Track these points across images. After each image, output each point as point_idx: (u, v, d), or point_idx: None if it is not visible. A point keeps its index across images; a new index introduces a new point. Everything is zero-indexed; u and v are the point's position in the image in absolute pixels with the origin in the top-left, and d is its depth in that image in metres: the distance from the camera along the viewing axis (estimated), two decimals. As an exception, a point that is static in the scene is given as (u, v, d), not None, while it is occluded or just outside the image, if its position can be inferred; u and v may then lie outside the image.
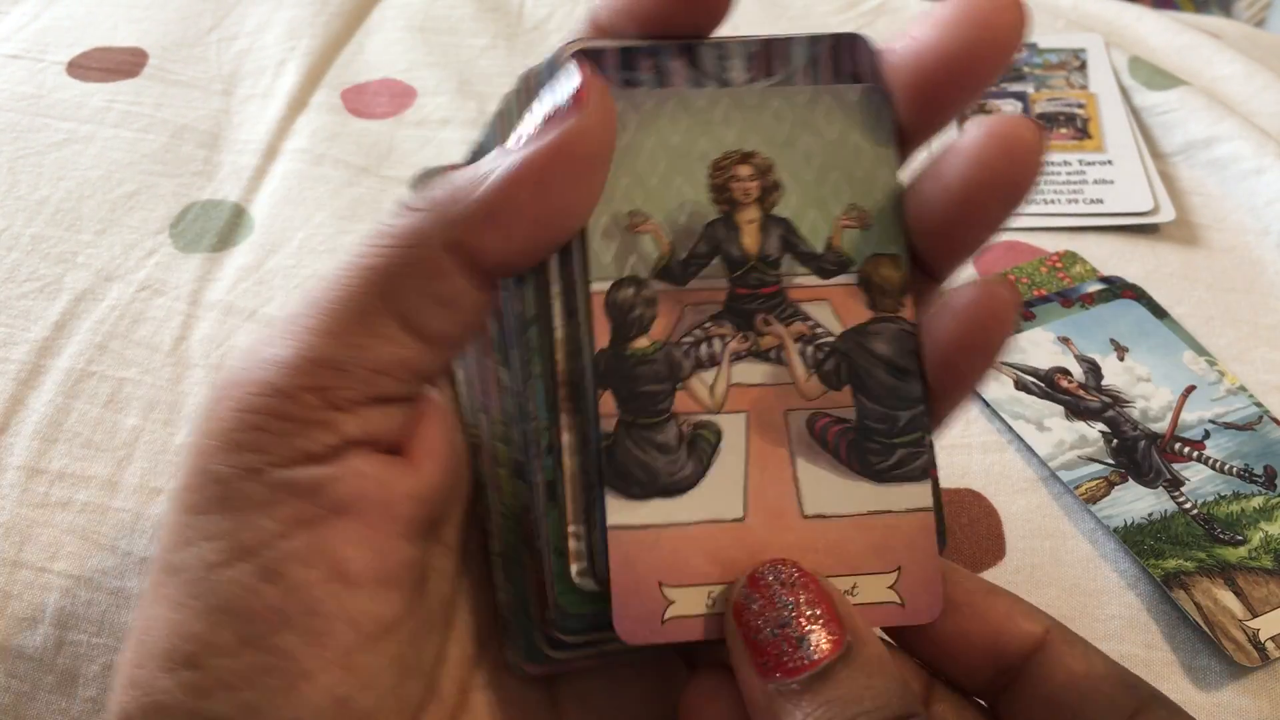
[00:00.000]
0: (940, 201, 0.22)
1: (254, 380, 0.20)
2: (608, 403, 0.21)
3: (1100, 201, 0.49)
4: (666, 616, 0.21)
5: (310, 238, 0.46)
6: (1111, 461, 0.38)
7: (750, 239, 0.22)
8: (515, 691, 0.24)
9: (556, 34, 0.61)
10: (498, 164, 0.20)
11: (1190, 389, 0.41)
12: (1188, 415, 0.40)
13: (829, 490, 0.22)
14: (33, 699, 0.32)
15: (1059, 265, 0.46)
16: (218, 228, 0.46)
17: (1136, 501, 0.37)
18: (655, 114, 0.22)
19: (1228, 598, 0.34)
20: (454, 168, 0.22)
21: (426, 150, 0.51)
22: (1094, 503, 0.37)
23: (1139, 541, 0.35)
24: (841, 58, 0.23)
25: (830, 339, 0.22)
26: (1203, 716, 0.31)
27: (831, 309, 0.22)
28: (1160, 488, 0.37)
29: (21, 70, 0.54)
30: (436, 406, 0.23)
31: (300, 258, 0.45)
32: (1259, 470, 0.38)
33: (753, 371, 0.22)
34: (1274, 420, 0.40)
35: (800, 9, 0.64)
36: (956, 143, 0.21)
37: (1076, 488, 0.37)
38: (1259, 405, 0.40)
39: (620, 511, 0.21)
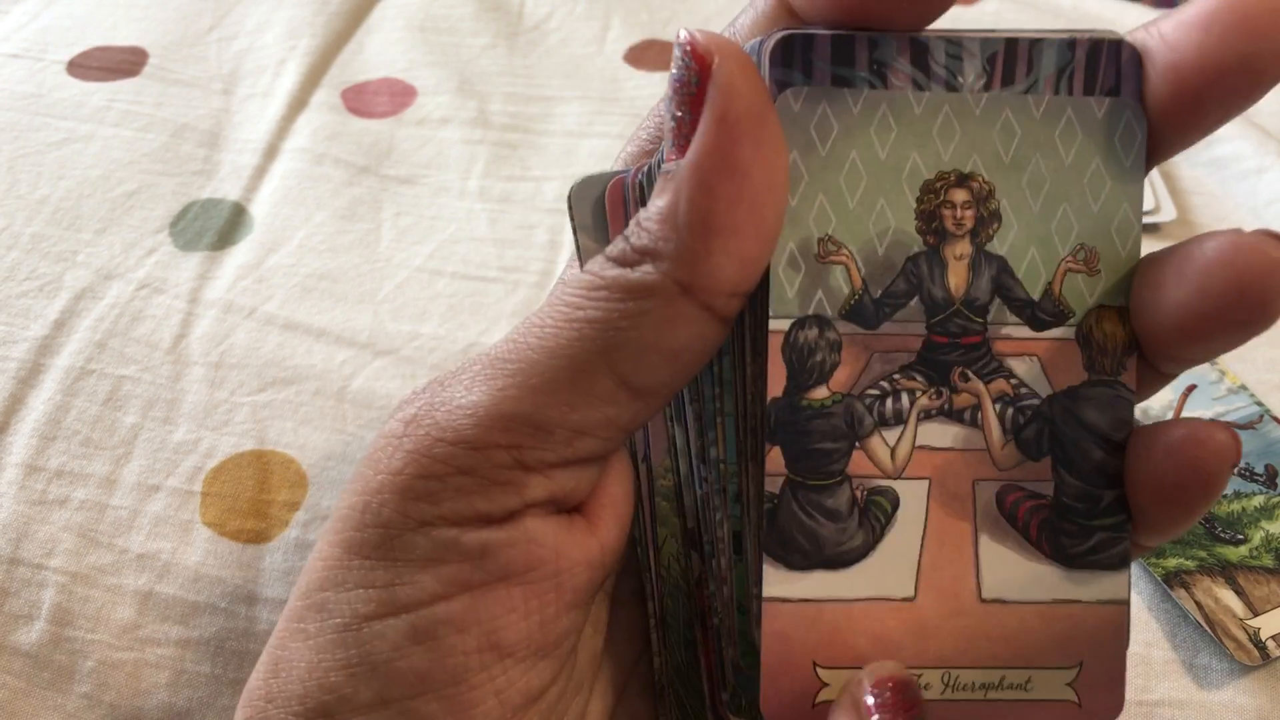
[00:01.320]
0: (1170, 314, 0.19)
1: (444, 425, 0.19)
2: (775, 459, 0.19)
3: (1101, 201, 0.49)
4: (818, 699, 0.19)
5: (310, 237, 0.46)
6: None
7: (957, 279, 0.19)
8: None
9: (557, 33, 0.61)
10: (679, 184, 0.18)
11: (1191, 388, 0.41)
12: (1189, 414, 0.40)
13: (1013, 573, 0.19)
14: (28, 695, 0.32)
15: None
16: (218, 226, 0.46)
17: (1137, 500, 0.37)
18: (862, 121, 0.19)
19: (1228, 596, 0.33)
20: (618, 174, 0.21)
21: (427, 149, 0.51)
22: (1094, 501, 0.37)
23: (1139, 540, 0.35)
24: (1100, 66, 0.19)
25: (1035, 401, 0.20)
26: (1203, 715, 0.31)
27: (1041, 366, 0.20)
28: (1161, 486, 0.37)
29: (21, 69, 0.54)
30: (620, 457, 0.21)
31: (300, 256, 0.45)
32: (1260, 469, 0.38)
33: (942, 433, 0.20)
34: (1275, 419, 0.39)
35: (801, 9, 0.64)
36: (1192, 254, 0.18)
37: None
38: (1260, 404, 0.40)
39: (779, 583, 0.19)
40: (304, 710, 0.18)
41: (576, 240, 0.22)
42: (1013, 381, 0.20)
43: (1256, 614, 0.33)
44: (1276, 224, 0.48)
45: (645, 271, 0.18)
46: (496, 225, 0.47)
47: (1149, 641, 0.33)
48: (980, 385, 0.20)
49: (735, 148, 0.17)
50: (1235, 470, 0.37)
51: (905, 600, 0.19)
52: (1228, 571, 0.34)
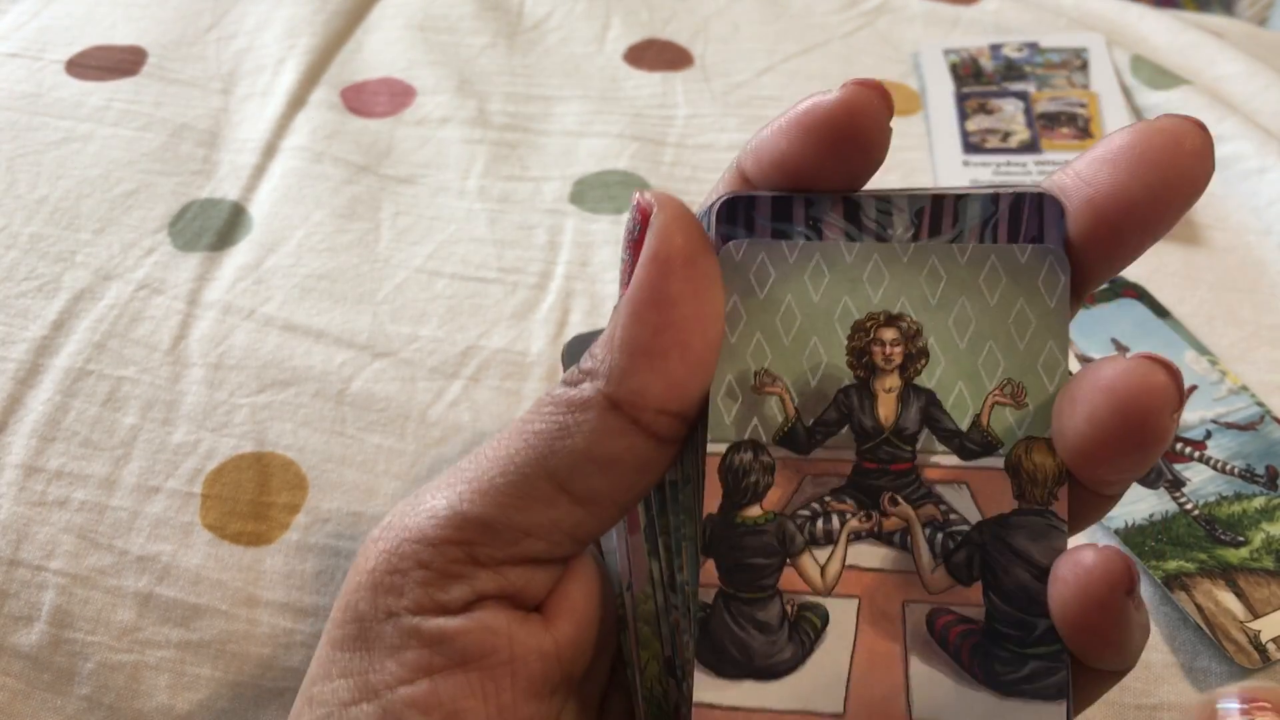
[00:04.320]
0: (1071, 439, 0.20)
1: (408, 526, 0.21)
2: (709, 572, 0.20)
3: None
4: None
5: (309, 236, 0.46)
6: (1112, 462, 0.38)
7: (886, 409, 0.21)
8: None
9: (556, 33, 0.60)
10: (616, 313, 0.20)
11: (1192, 389, 0.41)
12: (1189, 415, 0.40)
13: (945, 696, 0.20)
14: (28, 697, 0.32)
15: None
16: (217, 226, 0.46)
17: (1137, 502, 0.37)
18: (797, 268, 0.21)
19: (1229, 599, 0.33)
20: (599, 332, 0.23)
21: (426, 149, 0.51)
22: (1094, 503, 0.37)
23: (1140, 542, 0.35)
24: (1023, 216, 0.20)
25: (964, 527, 0.20)
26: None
27: (970, 494, 0.20)
28: (1161, 488, 0.37)
29: (20, 69, 0.54)
30: (585, 564, 0.23)
31: (299, 256, 0.45)
32: (1261, 471, 0.38)
33: (872, 554, 0.20)
34: (1276, 420, 0.39)
35: (800, 8, 0.64)
36: (1085, 381, 0.19)
37: (1077, 488, 0.37)
38: (1261, 405, 0.40)
39: (709, 689, 0.20)
40: None
41: None
42: (942, 507, 0.20)
43: (1257, 616, 0.33)
44: (1278, 224, 0.48)
45: (583, 388, 0.20)
46: (496, 225, 0.47)
47: (1149, 644, 0.33)
48: (909, 510, 0.20)
49: (664, 282, 0.20)
50: (1178, 430, 0.37)
51: (834, 716, 0.20)
52: (1228, 574, 0.34)
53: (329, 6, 0.60)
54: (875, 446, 0.21)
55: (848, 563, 0.20)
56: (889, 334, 0.21)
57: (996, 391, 0.20)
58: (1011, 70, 0.58)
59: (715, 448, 0.21)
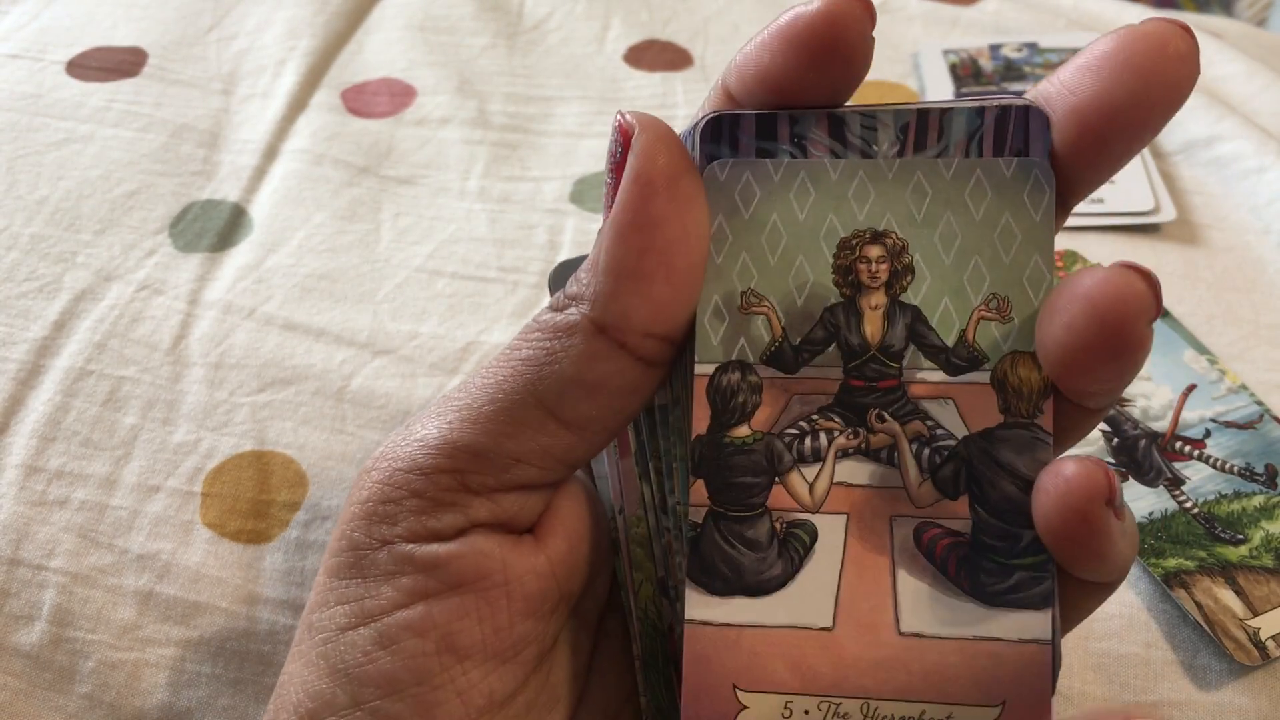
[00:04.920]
0: (1051, 349, 0.20)
1: (400, 456, 0.21)
2: (699, 491, 0.20)
3: (1101, 201, 0.49)
4: None
5: (310, 237, 0.46)
6: (1112, 460, 0.38)
7: (872, 327, 0.21)
8: None
9: (556, 33, 0.61)
10: (600, 237, 0.20)
11: (1191, 388, 0.41)
12: (1188, 414, 0.40)
13: (931, 608, 0.20)
14: (29, 696, 0.32)
15: (1060, 264, 0.46)
16: (217, 227, 0.46)
17: (1137, 500, 0.37)
18: (782, 187, 0.21)
19: (1228, 596, 0.33)
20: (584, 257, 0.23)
21: (426, 149, 0.51)
22: (1094, 501, 0.37)
23: (1139, 541, 0.35)
24: (1009, 130, 0.20)
25: (951, 442, 0.20)
26: (1203, 716, 0.31)
27: (956, 409, 0.20)
28: (1161, 486, 0.37)
29: (21, 70, 0.54)
30: (576, 486, 0.23)
31: (300, 257, 0.45)
32: (1260, 469, 0.38)
33: (859, 471, 0.20)
34: (1275, 419, 0.39)
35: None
36: (1064, 292, 0.19)
37: (1076, 486, 0.37)
38: (1260, 404, 0.40)
39: (700, 607, 0.20)
40: (297, 717, 0.21)
41: None
42: (929, 423, 0.20)
43: (1256, 614, 0.33)
44: (1277, 223, 0.48)
45: (568, 313, 0.20)
46: (496, 225, 0.47)
47: (1148, 642, 0.33)
48: (896, 426, 0.20)
49: (646, 204, 0.19)
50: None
51: (823, 630, 0.20)
52: (1227, 571, 0.34)
53: (329, 7, 0.60)
54: (862, 364, 0.21)
55: (836, 480, 0.21)
56: (874, 251, 0.21)
57: (982, 306, 0.20)
58: (1011, 71, 0.58)
59: (703, 369, 0.21)
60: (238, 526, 0.35)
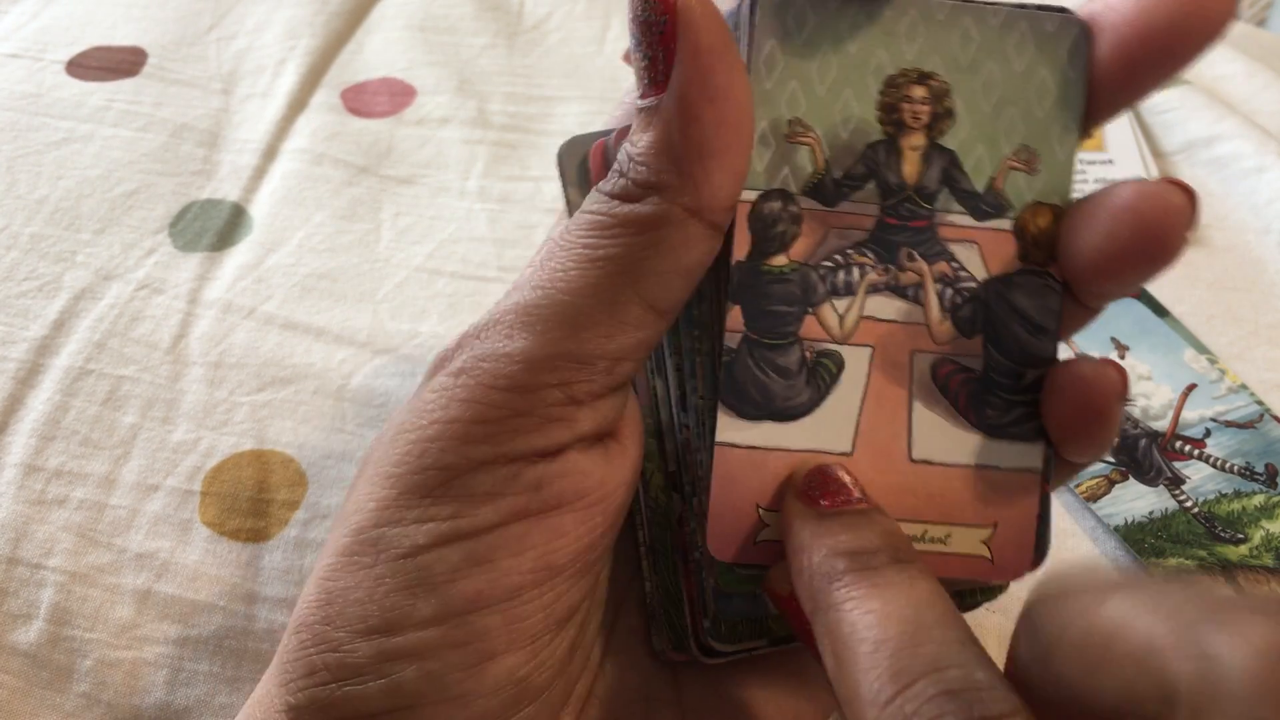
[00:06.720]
0: (1085, 253, 0.21)
1: (495, 373, 0.20)
2: (735, 318, 0.21)
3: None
4: (759, 539, 0.21)
5: (310, 237, 0.46)
6: (1112, 460, 0.38)
7: (911, 167, 0.21)
8: (640, 659, 0.25)
9: (556, 33, 0.61)
10: (665, 115, 0.19)
11: (1191, 387, 0.41)
12: (1188, 413, 0.40)
13: (941, 437, 0.21)
14: (27, 694, 0.32)
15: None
16: (217, 227, 0.46)
17: (1137, 500, 0.37)
18: (836, 18, 0.21)
19: (1228, 596, 0.33)
20: (602, 134, 0.22)
21: (426, 149, 0.51)
22: (1094, 501, 0.36)
23: (1140, 540, 0.35)
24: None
25: (972, 284, 0.21)
26: (1203, 715, 0.31)
27: (979, 253, 0.21)
28: (1161, 486, 0.37)
29: (21, 69, 0.54)
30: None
31: (300, 257, 0.45)
32: (1260, 468, 0.38)
33: (887, 306, 0.21)
34: (1275, 418, 0.39)
35: None
36: (1103, 202, 0.20)
37: (1077, 486, 0.37)
38: (1260, 403, 0.40)
39: (730, 429, 0.21)
40: (365, 629, 0.20)
41: (566, 194, 0.24)
42: (953, 265, 0.21)
43: (1256, 613, 0.33)
44: (1277, 222, 0.48)
45: (654, 203, 0.20)
46: (496, 225, 0.47)
47: (1149, 641, 0.33)
48: (924, 265, 0.21)
49: (712, 75, 0.19)
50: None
51: (843, 455, 0.21)
52: (1228, 571, 0.34)
53: (329, 7, 0.60)
54: (897, 203, 0.21)
55: (864, 313, 0.21)
56: (919, 92, 0.21)
57: (1012, 156, 0.21)
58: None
59: (746, 194, 0.21)
60: (237, 525, 0.35)
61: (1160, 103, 0.55)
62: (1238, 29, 0.65)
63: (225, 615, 0.33)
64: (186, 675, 0.32)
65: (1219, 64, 0.58)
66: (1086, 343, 0.42)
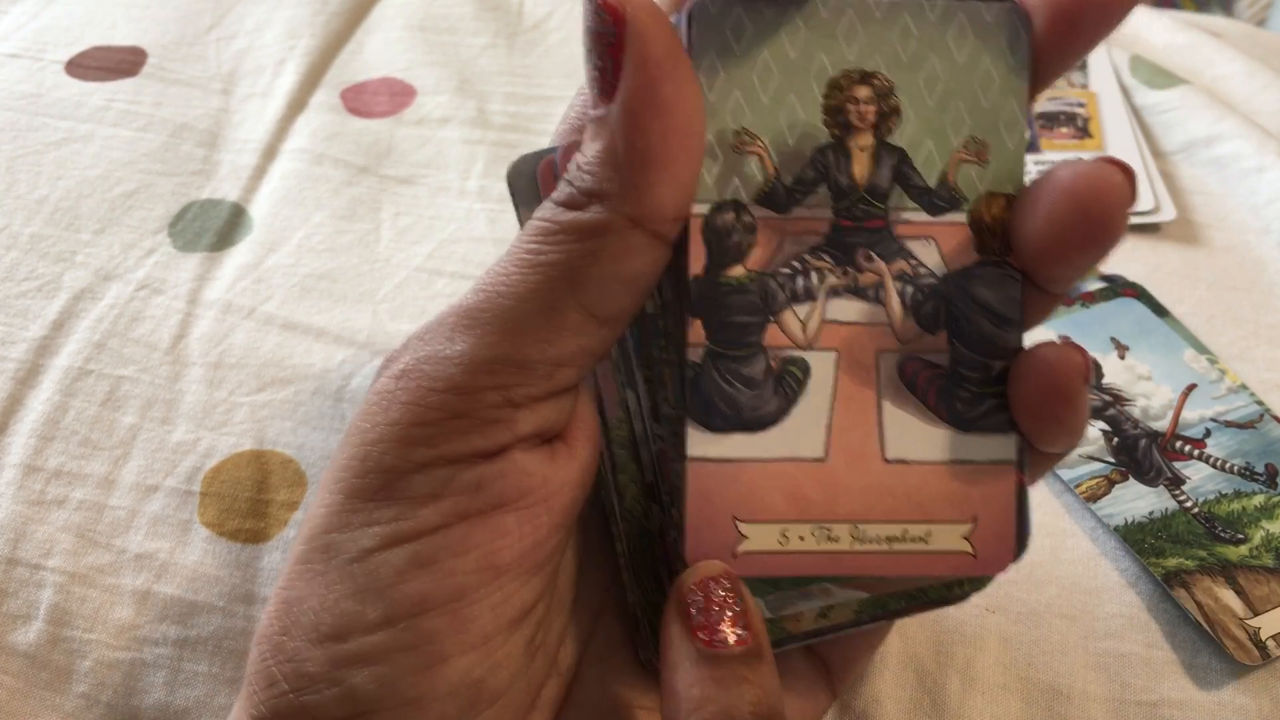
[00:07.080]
0: (1033, 239, 0.21)
1: (434, 375, 0.20)
2: (697, 331, 0.21)
3: (1101, 200, 0.49)
4: (739, 551, 0.21)
5: (309, 237, 0.46)
6: (1112, 460, 0.38)
7: (861, 167, 0.21)
8: (623, 667, 0.25)
9: (556, 33, 0.60)
10: (611, 125, 0.20)
11: (1191, 387, 0.41)
12: (1188, 413, 0.40)
13: (913, 436, 0.21)
14: (26, 695, 0.32)
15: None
16: (217, 227, 0.46)
17: (1137, 500, 0.37)
18: (773, 23, 0.21)
19: (1228, 596, 0.33)
20: (549, 152, 0.23)
21: (426, 149, 0.51)
22: (1094, 501, 0.36)
23: (1139, 540, 0.35)
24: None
25: (932, 280, 0.21)
26: (1203, 715, 0.31)
27: (937, 248, 0.21)
28: (1161, 486, 0.37)
29: (20, 69, 0.54)
30: (583, 385, 0.23)
31: (299, 257, 0.45)
32: (1260, 468, 0.38)
33: (848, 309, 0.21)
34: (1275, 418, 0.39)
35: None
36: (1045, 185, 0.21)
37: (1077, 486, 0.37)
38: (1260, 403, 0.40)
39: (701, 443, 0.21)
40: (319, 636, 0.20)
41: (518, 212, 0.24)
42: (912, 262, 0.21)
43: (1256, 614, 0.33)
44: (1277, 222, 0.48)
45: (596, 212, 0.20)
46: (496, 225, 0.47)
47: (1149, 642, 0.33)
48: (883, 265, 0.21)
49: (659, 87, 0.19)
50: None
51: (816, 460, 0.21)
52: (1228, 571, 0.34)
53: (329, 7, 0.60)
54: (851, 205, 0.21)
55: (826, 317, 0.21)
56: (864, 92, 0.21)
57: (962, 149, 0.21)
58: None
59: (698, 208, 0.21)
60: (236, 526, 0.35)
61: (1160, 103, 0.55)
62: (1238, 29, 0.65)
63: (224, 616, 0.33)
64: (186, 676, 0.32)
65: (1219, 64, 0.58)
66: (1086, 342, 0.42)
